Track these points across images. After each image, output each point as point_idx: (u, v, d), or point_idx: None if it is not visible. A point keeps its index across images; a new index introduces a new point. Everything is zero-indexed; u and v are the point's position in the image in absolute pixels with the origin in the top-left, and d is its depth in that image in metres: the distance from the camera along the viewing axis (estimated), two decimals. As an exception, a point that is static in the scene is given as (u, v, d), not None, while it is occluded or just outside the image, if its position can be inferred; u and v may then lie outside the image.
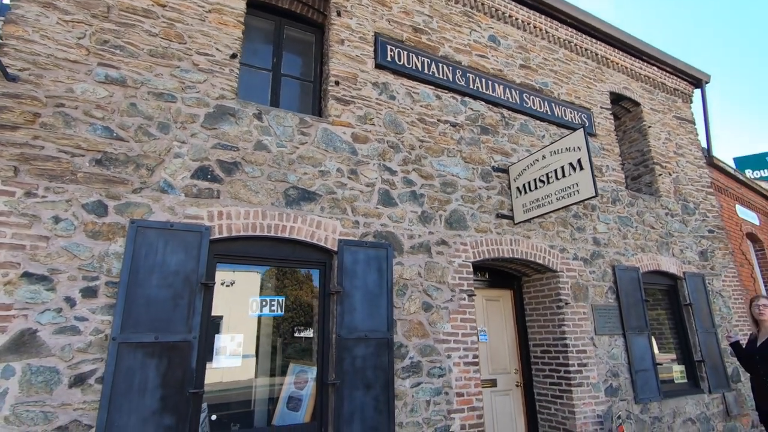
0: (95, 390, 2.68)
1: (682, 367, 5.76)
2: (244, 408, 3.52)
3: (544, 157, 4.43)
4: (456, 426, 3.78)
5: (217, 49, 3.68)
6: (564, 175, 4.14)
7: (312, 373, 3.62)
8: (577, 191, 3.99)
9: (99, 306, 2.81)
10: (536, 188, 4.47)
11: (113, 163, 3.07)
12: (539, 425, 4.82)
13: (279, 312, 3.64)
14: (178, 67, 3.48)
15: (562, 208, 4.19)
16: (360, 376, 3.46)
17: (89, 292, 2.80)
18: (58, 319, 2.69)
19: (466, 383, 3.93)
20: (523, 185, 4.64)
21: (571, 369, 4.58)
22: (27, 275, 2.67)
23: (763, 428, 5.92)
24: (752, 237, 8.33)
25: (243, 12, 3.92)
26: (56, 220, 2.82)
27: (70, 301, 2.74)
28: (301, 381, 3.66)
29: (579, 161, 4.00)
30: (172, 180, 3.22)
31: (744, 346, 3.94)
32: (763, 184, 10.16)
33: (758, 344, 3.75)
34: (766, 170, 21.77)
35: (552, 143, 4.40)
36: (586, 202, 5.06)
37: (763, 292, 8.02)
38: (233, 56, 3.72)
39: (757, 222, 8.54)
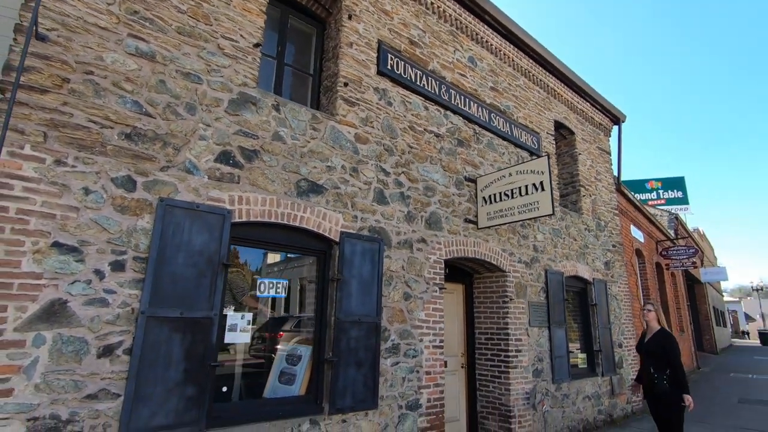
0: (122, 361, 2.77)
1: (584, 355, 7.06)
2: (234, 381, 3.73)
3: (510, 174, 5.16)
4: (424, 399, 4.38)
5: (241, 35, 3.75)
6: (527, 193, 4.91)
7: (304, 351, 3.95)
8: (537, 208, 4.78)
9: (126, 280, 2.86)
10: (501, 200, 5.20)
11: (141, 139, 3.08)
12: (478, 400, 5.66)
13: (283, 294, 3.89)
14: (205, 48, 3.52)
15: (522, 220, 4.97)
16: (353, 355, 3.88)
17: (118, 266, 2.84)
18: (87, 291, 2.71)
19: (433, 363, 4.55)
20: (489, 196, 5.36)
21: (510, 354, 5.46)
22: (57, 245, 2.65)
23: (633, 404, 7.49)
24: (638, 253, 10.22)
25: (266, 1, 4.01)
26: (86, 191, 2.80)
27: (100, 274, 2.77)
28: (293, 357, 3.97)
29: (541, 183, 4.78)
30: (197, 162, 3.31)
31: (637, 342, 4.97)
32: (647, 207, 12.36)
33: (645, 340, 4.50)
34: (644, 194, 25.81)
35: (518, 164, 5.16)
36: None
37: (642, 298, 9.91)
38: (257, 45, 3.82)
39: (642, 240, 10.47)
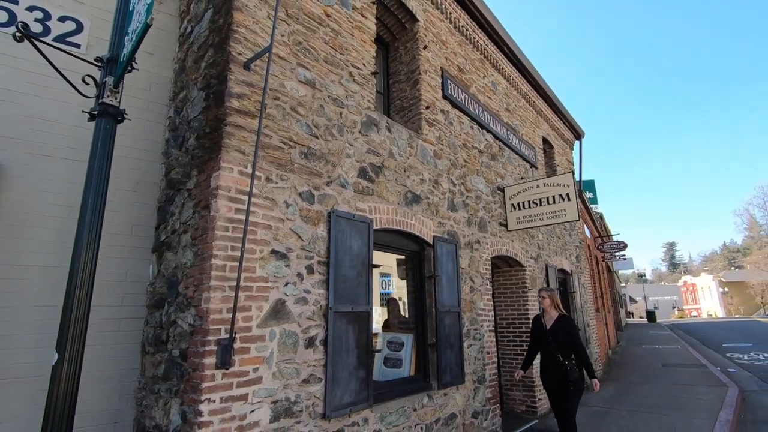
0: (320, 350, 3.24)
1: (567, 334, 8.46)
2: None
3: (538, 186, 6.22)
4: (487, 374, 5.26)
5: (363, 64, 4.26)
6: (555, 202, 6.00)
7: (405, 338, 4.60)
8: (565, 215, 5.88)
9: (315, 281, 3.32)
10: (530, 207, 6.24)
11: (313, 157, 3.51)
12: (502, 375, 6.69)
13: (392, 290, 4.49)
14: (342, 76, 3.98)
15: (550, 224, 6.05)
16: (447, 339, 4.62)
17: (310, 270, 3.29)
18: (295, 291, 3.14)
19: (490, 344, 5.45)
20: (518, 203, 6.37)
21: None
22: (274, 252, 3.05)
23: (599, 371, 9.09)
24: (587, 248, 12.14)
25: (375, 32, 4.53)
26: (286, 204, 3.20)
27: (300, 276, 3.20)
28: (394, 344, 4.59)
29: (567, 194, 5.89)
30: (347, 177, 3.80)
31: (532, 329, 4.65)
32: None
33: (546, 327, 4.40)
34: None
35: (546, 177, 6.23)
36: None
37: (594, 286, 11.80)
38: (374, 73, 4.35)
39: (589, 236, 12.44)
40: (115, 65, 2.62)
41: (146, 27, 2.07)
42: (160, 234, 3.69)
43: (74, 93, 3.67)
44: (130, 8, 2.67)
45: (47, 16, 3.80)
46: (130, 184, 3.89)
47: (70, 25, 3.90)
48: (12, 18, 3.63)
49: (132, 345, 3.67)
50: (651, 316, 34.36)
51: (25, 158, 3.44)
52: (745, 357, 12.50)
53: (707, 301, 54.05)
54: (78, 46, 3.88)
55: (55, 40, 3.80)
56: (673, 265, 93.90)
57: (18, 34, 2.30)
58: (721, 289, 50.49)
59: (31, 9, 3.73)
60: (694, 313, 55.86)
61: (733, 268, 62.50)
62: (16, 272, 3.24)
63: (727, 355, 13.26)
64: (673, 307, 61.65)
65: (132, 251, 3.79)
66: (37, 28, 3.72)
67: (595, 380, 4.18)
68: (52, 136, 3.61)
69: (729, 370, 10.34)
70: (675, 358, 12.42)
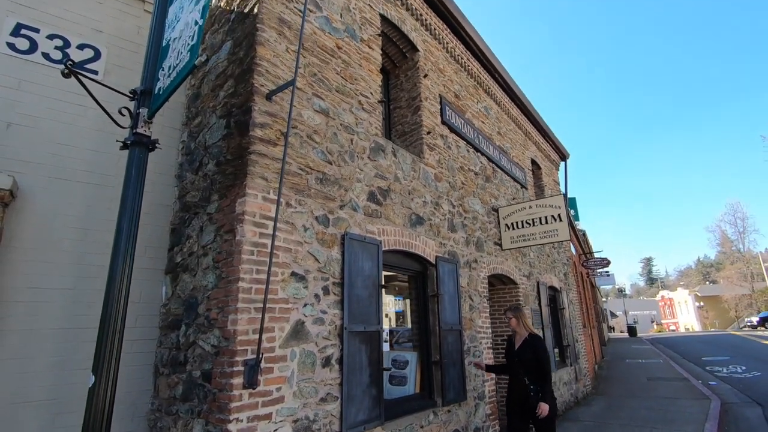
0: (336, 369, 3.34)
1: (557, 350, 8.69)
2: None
3: (531, 207, 6.50)
4: (486, 391, 5.40)
5: (371, 93, 4.48)
6: (547, 222, 6.27)
7: (410, 356, 4.72)
8: (557, 234, 6.15)
9: (331, 302, 3.44)
10: (523, 227, 6.50)
11: (327, 183, 3.67)
12: (498, 392, 6.82)
13: (400, 309, 4.63)
14: (352, 104, 4.19)
15: (543, 243, 6.31)
16: (451, 357, 4.75)
17: (326, 291, 3.41)
18: (313, 312, 3.26)
19: (489, 361, 5.60)
20: (512, 223, 6.63)
21: (525, 351, 6.73)
22: (294, 274, 3.17)
23: (587, 387, 9.29)
24: (574, 265, 12.51)
25: (380, 62, 4.77)
26: (304, 228, 3.34)
27: (317, 298, 3.32)
28: (399, 362, 4.71)
29: (559, 215, 6.18)
30: (358, 200, 3.96)
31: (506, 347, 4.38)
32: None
33: (515, 347, 4.17)
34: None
35: (539, 199, 6.51)
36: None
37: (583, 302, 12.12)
38: (380, 101, 4.57)
39: (575, 254, 12.82)
40: (148, 97, 2.76)
41: (192, 68, 2.23)
42: (174, 256, 3.77)
43: (90, 118, 3.80)
44: (164, 44, 2.84)
45: (66, 43, 3.91)
46: (143, 206, 3.94)
47: (89, 53, 4.01)
48: (33, 45, 3.73)
49: (142, 366, 3.70)
50: (632, 330, 35.07)
51: (44, 182, 3.51)
52: (725, 370, 12.93)
53: (684, 315, 55.44)
54: (96, 72, 4.00)
55: (73, 67, 3.91)
56: (651, 280, 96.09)
57: (65, 71, 2.42)
58: (697, 304, 51.94)
59: (51, 37, 3.84)
60: (672, 327, 57.17)
61: (707, 282, 64.45)
62: (33, 295, 3.27)
63: (707, 368, 13.69)
64: (652, 321, 62.95)
65: (143, 272, 3.85)
66: (56, 55, 3.83)
67: (543, 404, 3.74)
68: (68, 160, 3.68)
69: (710, 383, 10.69)
70: (658, 372, 12.76)
